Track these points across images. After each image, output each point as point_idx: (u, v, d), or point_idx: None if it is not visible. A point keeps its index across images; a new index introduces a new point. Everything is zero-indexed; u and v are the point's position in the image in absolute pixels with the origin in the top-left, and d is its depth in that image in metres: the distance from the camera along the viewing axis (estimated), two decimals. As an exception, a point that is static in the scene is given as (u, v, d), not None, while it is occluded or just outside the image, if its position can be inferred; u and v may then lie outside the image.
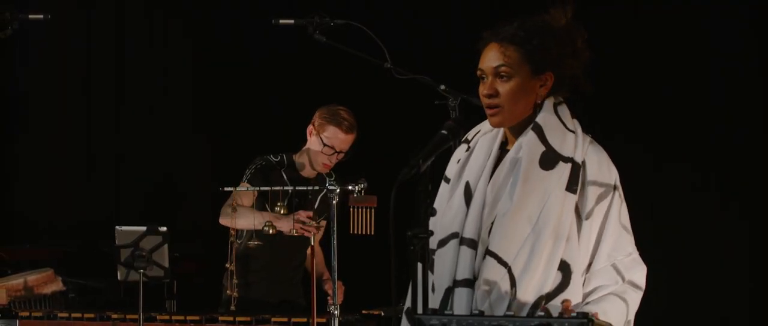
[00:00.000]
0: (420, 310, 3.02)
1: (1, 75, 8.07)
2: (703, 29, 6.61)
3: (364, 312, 5.32)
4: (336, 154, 5.65)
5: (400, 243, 2.99)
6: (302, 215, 5.43)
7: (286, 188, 5.57)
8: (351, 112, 5.70)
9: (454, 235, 3.28)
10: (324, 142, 5.64)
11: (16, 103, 8.05)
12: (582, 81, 3.35)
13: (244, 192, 5.53)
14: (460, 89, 4.79)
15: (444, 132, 3.18)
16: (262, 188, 5.54)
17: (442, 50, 6.79)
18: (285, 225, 5.40)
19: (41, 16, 5.40)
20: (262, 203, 5.60)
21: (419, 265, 3.02)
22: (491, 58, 3.30)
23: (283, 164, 5.73)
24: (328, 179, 5.77)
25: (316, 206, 5.75)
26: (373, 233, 5.26)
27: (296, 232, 5.38)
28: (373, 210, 5.24)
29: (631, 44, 6.62)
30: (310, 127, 5.71)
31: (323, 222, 5.73)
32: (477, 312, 3.01)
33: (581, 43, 3.33)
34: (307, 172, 5.75)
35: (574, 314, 2.89)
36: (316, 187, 5.68)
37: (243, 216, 5.46)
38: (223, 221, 5.57)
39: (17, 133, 8.05)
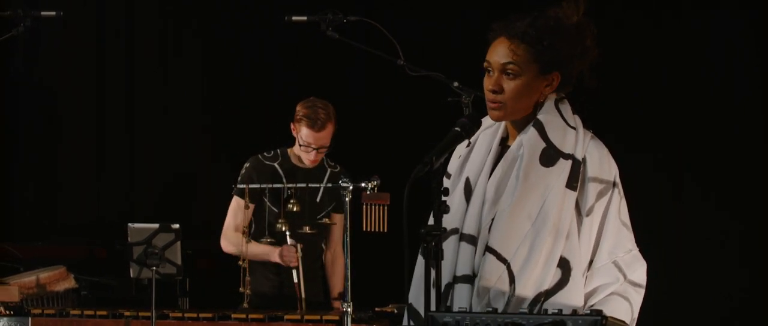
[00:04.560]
0: (433, 307, 3.01)
1: (13, 72, 8.06)
2: (701, 27, 6.59)
3: (376, 309, 5.31)
4: (316, 150, 5.64)
5: (414, 241, 2.98)
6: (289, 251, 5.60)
7: (300, 185, 5.61)
8: (326, 104, 5.67)
9: (454, 231, 3.26)
10: (300, 143, 5.64)
11: (27, 101, 8.05)
12: (587, 76, 3.32)
13: (242, 206, 5.66)
14: (474, 86, 4.77)
15: (457, 129, 3.16)
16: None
17: (455, 47, 6.77)
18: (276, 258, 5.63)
19: (53, 14, 5.41)
20: (260, 198, 5.63)
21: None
22: (500, 54, 3.25)
23: (277, 158, 5.74)
24: (328, 168, 5.77)
25: (318, 199, 5.75)
26: (386, 230, 5.25)
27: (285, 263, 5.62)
28: (386, 207, 5.23)
29: (626, 42, 6.58)
30: (291, 125, 5.71)
31: (337, 218, 5.76)
32: (490, 309, 2.99)
33: (590, 41, 3.29)
34: (302, 163, 5.75)
35: (587, 312, 2.87)
36: (329, 184, 5.68)
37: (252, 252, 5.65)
38: (228, 249, 5.73)
39: (28, 131, 8.05)
